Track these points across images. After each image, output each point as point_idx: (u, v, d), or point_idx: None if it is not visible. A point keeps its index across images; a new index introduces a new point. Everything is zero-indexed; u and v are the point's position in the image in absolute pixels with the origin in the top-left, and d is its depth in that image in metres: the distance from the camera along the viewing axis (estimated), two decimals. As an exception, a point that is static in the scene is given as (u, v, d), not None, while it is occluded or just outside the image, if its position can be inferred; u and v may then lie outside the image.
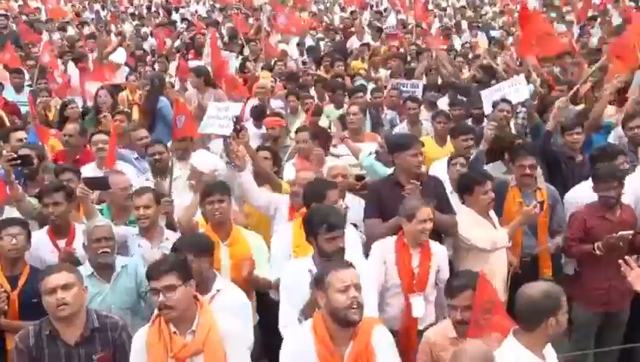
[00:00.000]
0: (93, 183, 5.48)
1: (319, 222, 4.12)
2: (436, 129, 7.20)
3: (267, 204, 5.45)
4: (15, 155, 5.59)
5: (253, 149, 6.20)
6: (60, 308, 3.59)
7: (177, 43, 14.55)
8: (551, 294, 3.35)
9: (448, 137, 6.87)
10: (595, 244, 5.03)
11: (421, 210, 4.59)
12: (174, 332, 3.56)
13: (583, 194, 5.53)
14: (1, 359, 4.53)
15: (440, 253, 4.77)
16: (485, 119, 7.53)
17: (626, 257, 3.85)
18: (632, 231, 4.99)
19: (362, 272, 3.73)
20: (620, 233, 4.94)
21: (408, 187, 5.03)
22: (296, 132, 6.75)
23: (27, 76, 10.16)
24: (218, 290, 4.12)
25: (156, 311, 3.63)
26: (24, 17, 18.59)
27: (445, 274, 4.68)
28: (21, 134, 6.75)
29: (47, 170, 6.11)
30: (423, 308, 4.57)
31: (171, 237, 5.08)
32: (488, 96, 7.52)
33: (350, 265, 3.58)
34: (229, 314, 3.82)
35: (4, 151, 5.91)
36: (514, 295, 3.56)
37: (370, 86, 9.88)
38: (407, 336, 4.54)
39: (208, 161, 5.79)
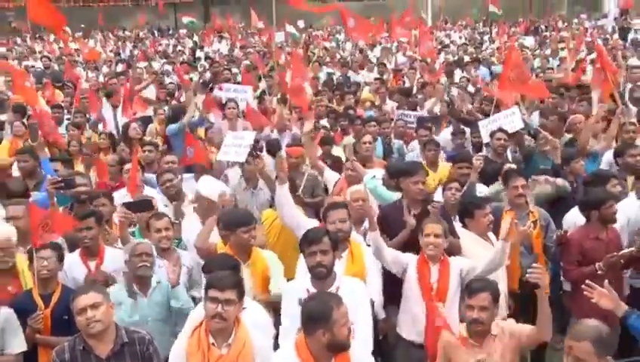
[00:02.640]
0: (136, 206, 5.53)
1: (302, 240, 4.23)
2: (427, 156, 7.23)
3: (297, 224, 5.36)
4: (59, 179, 5.69)
5: (268, 174, 6.23)
6: (91, 325, 3.63)
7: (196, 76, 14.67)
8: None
9: (440, 163, 7.03)
10: (597, 265, 5.01)
11: (428, 226, 4.67)
12: (212, 344, 3.60)
13: (579, 216, 5.51)
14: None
15: (459, 265, 4.75)
16: (484, 147, 7.62)
17: (587, 281, 3.90)
18: (632, 249, 5.09)
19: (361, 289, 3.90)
20: (621, 252, 5.05)
21: (434, 204, 5.14)
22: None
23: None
24: (244, 308, 4.08)
25: (195, 324, 3.68)
26: (64, 58, 18.92)
27: (472, 274, 4.67)
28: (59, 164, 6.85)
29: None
30: (442, 318, 4.50)
31: (184, 255, 5.14)
32: (486, 126, 7.62)
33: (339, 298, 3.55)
34: (255, 330, 3.82)
35: (49, 176, 6.02)
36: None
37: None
38: (432, 347, 4.47)
39: (213, 186, 5.82)
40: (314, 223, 5.38)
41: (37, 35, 27.73)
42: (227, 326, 3.60)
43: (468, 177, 6.35)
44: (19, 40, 26.47)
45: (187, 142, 7.00)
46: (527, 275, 3.95)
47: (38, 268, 4.58)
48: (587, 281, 3.91)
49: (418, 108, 10.27)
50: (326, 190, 6.92)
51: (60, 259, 4.71)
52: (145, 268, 4.61)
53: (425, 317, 4.60)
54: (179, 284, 4.66)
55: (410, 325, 4.71)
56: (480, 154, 7.12)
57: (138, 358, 3.76)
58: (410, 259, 4.79)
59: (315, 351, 3.40)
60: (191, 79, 14.03)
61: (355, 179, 6.37)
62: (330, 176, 7.03)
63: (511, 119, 7.57)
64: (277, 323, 4.80)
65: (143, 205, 5.58)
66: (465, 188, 6.06)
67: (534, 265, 4.14)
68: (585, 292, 3.87)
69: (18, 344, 4.30)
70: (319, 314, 3.36)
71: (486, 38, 23.54)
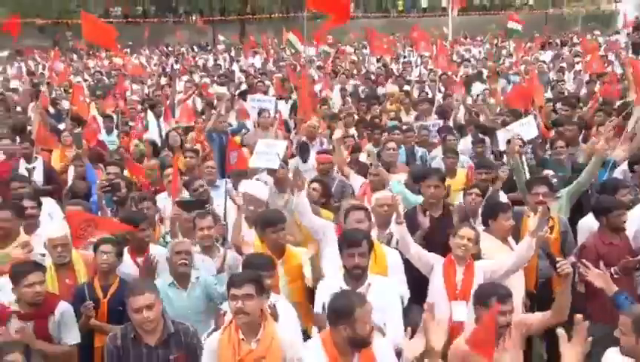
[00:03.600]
0: (189, 205, 5.63)
1: (341, 240, 4.21)
2: (446, 163, 7.20)
3: (317, 228, 5.37)
4: (107, 184, 5.81)
5: (291, 181, 6.27)
6: (145, 324, 3.71)
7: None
8: None
9: (457, 170, 7.02)
10: (613, 269, 4.93)
11: (462, 229, 4.72)
12: (242, 339, 3.60)
13: (593, 221, 5.47)
14: (90, 354, 4.63)
15: (483, 267, 4.74)
16: (504, 155, 7.57)
17: (584, 261, 4.25)
18: None
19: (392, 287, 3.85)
20: (638, 257, 5.01)
21: (454, 207, 5.17)
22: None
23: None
24: (274, 303, 4.13)
25: (227, 320, 3.69)
26: (114, 73, 19.30)
27: (496, 276, 4.66)
28: (114, 168, 6.98)
29: (134, 199, 6.29)
30: (464, 314, 4.51)
31: (227, 253, 5.19)
32: (503, 135, 7.60)
33: (365, 297, 3.57)
34: (283, 325, 3.83)
35: (98, 181, 6.17)
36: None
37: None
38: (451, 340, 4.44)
39: (260, 187, 5.88)
40: (332, 224, 5.41)
41: (90, 52, 28.29)
42: (252, 320, 3.58)
43: (487, 183, 6.32)
44: (75, 57, 27.04)
45: (230, 148, 7.06)
46: (558, 268, 3.99)
47: (99, 261, 4.70)
48: (583, 260, 4.19)
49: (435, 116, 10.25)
50: (353, 193, 6.93)
51: (119, 254, 4.81)
52: (184, 265, 4.67)
53: (449, 316, 4.57)
54: (223, 272, 4.72)
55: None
56: (501, 165, 7.06)
57: (183, 348, 3.82)
58: (437, 259, 4.80)
59: (339, 344, 3.42)
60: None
61: (378, 183, 6.37)
62: (356, 180, 7.04)
63: (526, 128, 7.56)
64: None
65: (195, 204, 5.66)
66: (488, 193, 6.04)
67: (562, 261, 4.15)
68: (581, 270, 4.18)
69: (73, 336, 4.41)
70: (342, 310, 3.38)
71: (504, 52, 23.34)
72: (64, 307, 4.39)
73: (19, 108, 11.83)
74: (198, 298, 4.70)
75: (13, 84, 17.34)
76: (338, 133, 7.80)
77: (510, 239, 5.24)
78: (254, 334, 3.61)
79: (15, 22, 16.60)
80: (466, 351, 3.85)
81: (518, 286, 5.05)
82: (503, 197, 6.26)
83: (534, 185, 5.62)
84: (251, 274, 3.76)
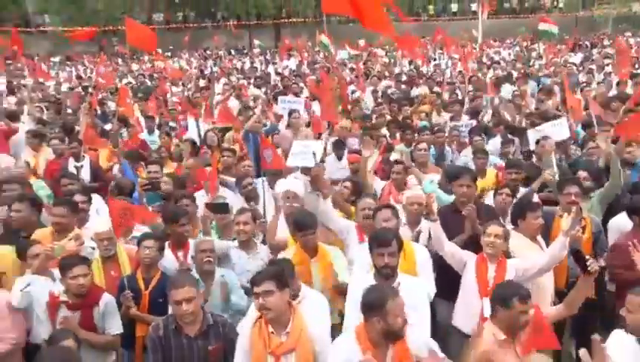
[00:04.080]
0: (215, 207, 5.68)
1: (371, 240, 4.19)
2: (476, 163, 7.11)
3: (342, 228, 5.40)
4: (147, 182, 5.88)
5: (325, 180, 6.26)
6: (185, 317, 3.75)
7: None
8: None
9: (487, 170, 6.94)
10: None
11: (490, 227, 4.65)
12: (272, 333, 3.60)
13: (623, 221, 5.35)
14: (132, 342, 4.70)
15: (515, 265, 4.65)
16: (533, 155, 7.47)
17: (634, 241, 4.47)
18: None
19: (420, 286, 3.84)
20: None
21: (467, 208, 5.03)
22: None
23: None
24: (304, 297, 4.15)
25: (256, 314, 3.69)
26: (155, 76, 19.60)
27: (528, 274, 4.60)
28: (155, 167, 7.06)
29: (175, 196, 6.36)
30: None
31: (262, 250, 5.20)
32: (533, 135, 7.53)
33: (397, 285, 3.55)
34: (313, 318, 3.82)
35: (139, 179, 6.26)
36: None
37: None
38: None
39: (298, 184, 5.89)
40: (352, 224, 5.39)
41: (134, 56, 28.81)
42: (277, 315, 3.57)
43: (517, 182, 6.25)
44: (120, 61, 27.60)
45: (263, 146, 7.08)
46: (588, 266, 3.92)
47: (141, 255, 4.77)
48: (634, 241, 4.40)
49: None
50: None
51: (161, 248, 4.86)
52: (208, 263, 4.69)
53: (480, 311, 4.49)
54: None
55: (467, 318, 4.63)
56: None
57: (220, 339, 3.85)
58: (469, 257, 4.74)
59: (373, 337, 3.41)
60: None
61: (400, 182, 6.35)
62: (378, 184, 6.98)
63: (558, 129, 7.43)
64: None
65: (219, 208, 5.71)
66: (522, 193, 5.95)
67: (591, 259, 4.05)
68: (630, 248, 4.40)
69: (116, 326, 4.48)
70: (375, 303, 3.38)
71: (534, 54, 22.94)
72: (107, 298, 4.47)
73: (69, 110, 12.09)
74: (216, 297, 4.69)
75: (64, 87, 17.75)
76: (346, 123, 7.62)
77: (540, 238, 5.13)
78: (283, 327, 3.61)
79: (90, 31, 17.03)
80: (490, 352, 3.79)
81: (548, 285, 4.97)
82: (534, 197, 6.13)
83: (566, 186, 5.52)
84: (270, 270, 3.74)
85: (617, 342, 3.62)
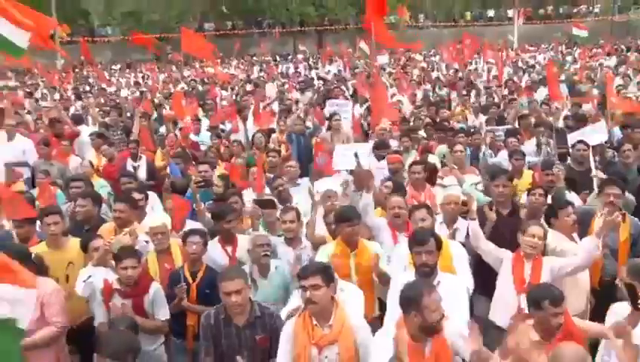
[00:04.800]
0: (263, 203, 5.73)
1: (410, 239, 4.17)
2: (513, 164, 6.93)
3: (375, 226, 5.40)
4: (201, 180, 5.98)
5: (370, 176, 6.22)
6: (234, 307, 3.79)
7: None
8: None
9: (524, 171, 6.80)
10: None
11: (531, 227, 4.55)
12: (315, 325, 3.60)
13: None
14: (183, 331, 4.77)
15: (551, 263, 4.54)
16: (568, 157, 7.33)
17: None
18: None
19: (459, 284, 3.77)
20: None
21: (489, 214, 5.00)
22: (410, 166, 6.67)
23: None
24: (342, 290, 4.11)
25: (302, 306, 3.70)
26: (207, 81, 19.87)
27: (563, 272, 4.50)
28: (205, 167, 7.12)
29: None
30: None
31: (308, 245, 5.21)
32: (573, 138, 7.31)
33: (437, 283, 3.52)
34: (353, 310, 3.80)
35: (193, 177, 6.37)
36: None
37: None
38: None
39: (334, 183, 5.91)
40: (384, 221, 5.36)
41: (186, 63, 29.30)
42: (322, 308, 3.57)
43: (552, 183, 6.11)
44: (174, 67, 28.13)
45: (317, 150, 7.10)
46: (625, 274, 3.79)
47: (188, 250, 4.84)
48: None
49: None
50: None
51: (205, 244, 4.93)
52: (266, 256, 4.72)
53: (517, 307, 4.40)
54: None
55: (503, 314, 4.54)
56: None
57: (267, 330, 3.87)
58: (506, 255, 4.66)
59: (411, 330, 3.40)
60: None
61: (420, 182, 6.30)
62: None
63: (596, 132, 7.26)
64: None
65: (267, 203, 5.77)
66: (555, 192, 5.83)
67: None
68: None
69: (164, 313, 4.58)
70: (412, 298, 3.36)
71: (569, 58, 22.32)
72: (156, 287, 4.60)
73: (128, 114, 12.39)
74: (276, 286, 4.74)
75: (124, 92, 18.20)
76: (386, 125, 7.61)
77: (576, 236, 5.00)
78: (326, 320, 3.60)
79: (148, 38, 17.45)
80: (524, 351, 3.68)
81: (582, 284, 4.84)
82: (573, 198, 5.95)
83: (606, 186, 5.35)
84: (318, 265, 3.76)
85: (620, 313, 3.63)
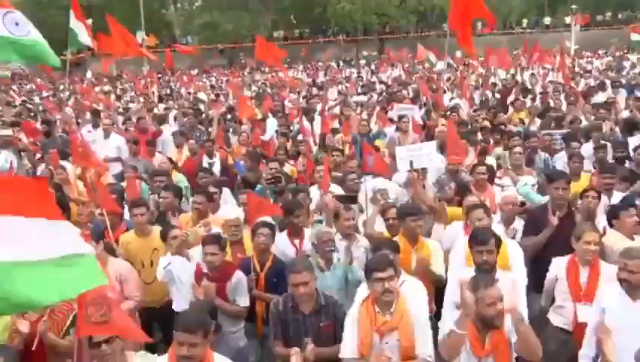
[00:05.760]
0: (343, 199, 5.77)
1: (471, 238, 4.05)
2: (572, 168, 6.60)
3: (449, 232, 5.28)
4: (271, 176, 6.05)
5: (420, 183, 6.11)
6: (302, 297, 3.82)
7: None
8: None
9: (582, 174, 6.48)
10: None
11: (586, 233, 4.24)
12: (378, 312, 3.60)
13: None
14: (254, 317, 4.82)
15: (609, 270, 4.22)
16: (627, 161, 6.97)
17: None
18: None
19: (517, 281, 3.61)
20: None
21: (552, 219, 4.81)
22: (474, 166, 6.49)
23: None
24: (404, 281, 4.09)
25: (365, 294, 3.70)
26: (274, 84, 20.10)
27: None
28: (275, 164, 7.17)
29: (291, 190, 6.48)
30: (588, 315, 3.98)
31: (363, 239, 5.19)
32: (633, 142, 6.90)
33: (495, 281, 3.40)
34: (413, 301, 3.76)
35: (264, 174, 6.44)
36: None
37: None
38: (578, 338, 4.06)
39: (387, 183, 5.84)
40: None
41: (257, 68, 29.81)
42: (393, 297, 3.58)
43: (611, 186, 5.80)
44: (246, 72, 28.69)
45: (365, 151, 7.02)
46: None
47: (257, 242, 4.89)
48: None
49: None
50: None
51: (273, 236, 4.96)
52: (330, 251, 4.72)
53: (573, 312, 4.20)
54: (353, 263, 4.74)
55: (560, 316, 4.35)
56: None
57: (331, 317, 3.88)
58: (560, 263, 4.37)
59: (475, 323, 3.34)
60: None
61: (482, 183, 6.13)
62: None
63: None
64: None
65: (348, 199, 5.81)
66: (627, 193, 5.58)
67: None
68: None
69: (244, 300, 4.61)
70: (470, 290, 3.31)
71: (627, 64, 21.08)
72: (239, 275, 4.61)
73: (204, 115, 12.71)
74: (340, 278, 4.71)
75: (201, 95, 18.70)
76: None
77: (637, 238, 4.70)
78: (388, 308, 3.60)
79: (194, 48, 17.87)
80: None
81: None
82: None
83: None
84: (388, 259, 3.74)
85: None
